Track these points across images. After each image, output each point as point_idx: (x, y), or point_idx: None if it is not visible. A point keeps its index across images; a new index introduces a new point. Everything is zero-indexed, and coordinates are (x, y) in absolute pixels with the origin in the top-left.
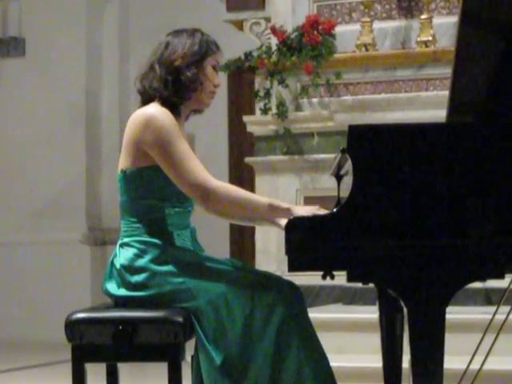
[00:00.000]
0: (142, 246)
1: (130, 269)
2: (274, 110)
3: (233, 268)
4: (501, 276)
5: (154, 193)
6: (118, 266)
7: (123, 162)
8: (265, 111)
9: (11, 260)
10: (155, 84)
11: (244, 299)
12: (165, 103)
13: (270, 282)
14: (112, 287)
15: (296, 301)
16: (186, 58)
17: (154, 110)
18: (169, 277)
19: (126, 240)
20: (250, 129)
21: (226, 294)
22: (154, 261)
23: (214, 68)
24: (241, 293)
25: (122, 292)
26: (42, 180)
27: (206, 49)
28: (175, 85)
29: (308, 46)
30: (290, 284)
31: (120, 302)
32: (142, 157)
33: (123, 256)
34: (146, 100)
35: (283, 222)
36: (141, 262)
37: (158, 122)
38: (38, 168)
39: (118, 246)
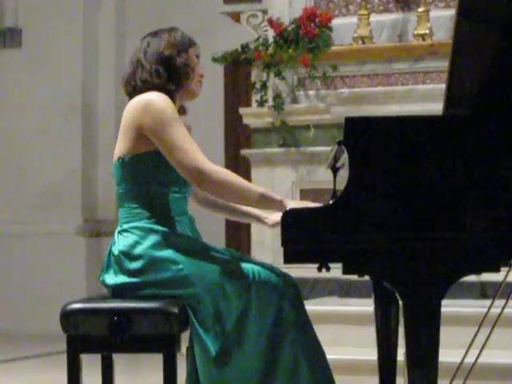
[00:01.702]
0: (141, 233)
1: (129, 255)
2: (271, 103)
3: (231, 258)
4: (496, 269)
5: (154, 178)
6: (116, 253)
7: (121, 150)
8: (261, 103)
9: (6, 251)
10: (145, 76)
11: (241, 290)
12: (160, 91)
13: (267, 273)
14: (109, 277)
15: (292, 293)
16: (174, 46)
17: (153, 95)
18: (167, 263)
19: (125, 227)
20: (246, 121)
21: (224, 283)
22: (153, 247)
23: (198, 57)
24: (238, 283)
25: (120, 279)
26: (37, 171)
27: (188, 39)
28: (168, 73)
29: (305, 39)
30: (287, 276)
31: (117, 290)
32: (142, 142)
33: (122, 243)
34: (132, 93)
35: (270, 218)
36: (140, 248)
37: (158, 105)
38: (34, 160)
39: (116, 234)
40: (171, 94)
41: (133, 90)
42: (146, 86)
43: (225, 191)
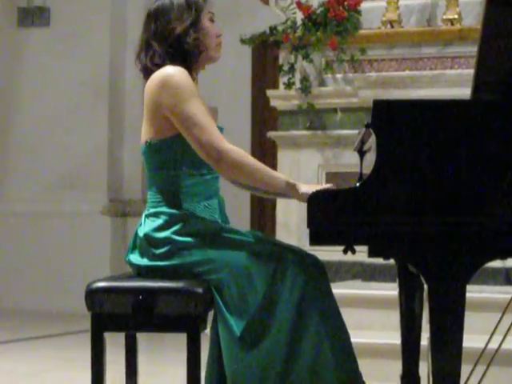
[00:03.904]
0: (166, 218)
1: (153, 239)
2: (298, 85)
3: (255, 240)
4: None
5: (182, 163)
6: (141, 236)
7: (146, 133)
8: (289, 86)
9: (33, 230)
10: (157, 60)
11: (266, 271)
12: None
13: (292, 254)
14: (135, 258)
15: (318, 274)
16: (182, 24)
17: (170, 69)
18: (191, 248)
19: (151, 211)
20: (273, 103)
21: (249, 265)
22: (177, 232)
23: (211, 20)
24: (263, 265)
25: (145, 261)
26: (63, 151)
27: (196, 6)
28: (180, 54)
29: (333, 22)
30: (313, 257)
31: (143, 272)
32: (166, 126)
33: (148, 226)
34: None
35: (300, 192)
36: (164, 233)
37: (175, 80)
38: (60, 139)
39: (143, 216)
40: (188, 66)
41: (146, 67)
42: (160, 66)
43: (242, 172)
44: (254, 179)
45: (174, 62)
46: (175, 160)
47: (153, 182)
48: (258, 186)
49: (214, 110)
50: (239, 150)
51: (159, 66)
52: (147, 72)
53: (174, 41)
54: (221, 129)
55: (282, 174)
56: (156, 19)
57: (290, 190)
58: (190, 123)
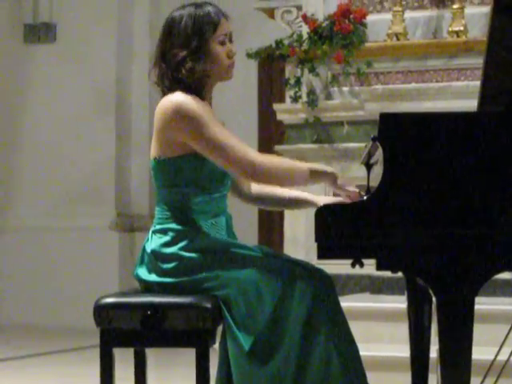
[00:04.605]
0: (173, 234)
1: (161, 255)
2: (305, 99)
3: (263, 255)
4: None
5: (190, 181)
6: (148, 251)
7: (154, 150)
8: (295, 99)
9: (41, 245)
10: (167, 83)
11: (274, 286)
12: (186, 91)
13: (300, 268)
14: (143, 272)
15: (326, 288)
16: (182, 51)
17: (180, 97)
18: (199, 265)
19: (158, 227)
20: (280, 117)
21: (257, 280)
22: (184, 248)
23: (223, 42)
24: (271, 279)
25: (153, 277)
26: (71, 166)
27: (206, 29)
28: (187, 78)
29: (339, 35)
30: (321, 271)
31: (150, 287)
32: (172, 146)
33: (155, 242)
34: (164, 91)
35: (322, 200)
36: (171, 249)
37: (186, 108)
38: (68, 154)
39: (150, 232)
40: (198, 91)
41: (159, 85)
42: (171, 90)
43: (277, 179)
44: (290, 180)
45: (180, 84)
46: (183, 178)
47: (161, 198)
48: (295, 184)
49: (222, 124)
50: (270, 157)
51: (169, 89)
52: (161, 89)
53: (176, 66)
54: None
55: (304, 164)
56: (166, 36)
57: (327, 179)
58: (214, 147)
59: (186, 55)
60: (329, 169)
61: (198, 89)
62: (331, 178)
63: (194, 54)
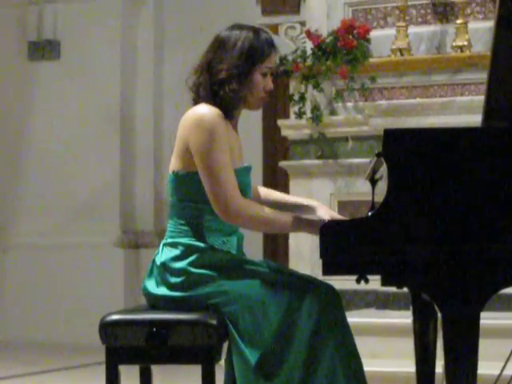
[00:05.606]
0: (183, 248)
1: (170, 269)
2: (309, 114)
3: (269, 270)
4: None
5: (202, 198)
6: (158, 264)
7: (175, 164)
8: (299, 115)
9: (46, 262)
10: (202, 93)
11: (280, 301)
12: (217, 106)
13: (306, 283)
14: (151, 285)
15: (333, 303)
16: (229, 70)
17: (206, 110)
18: (206, 280)
19: (169, 240)
20: (284, 133)
21: (263, 295)
22: (192, 264)
23: (265, 74)
24: (277, 294)
25: (161, 291)
26: (76, 183)
27: (254, 58)
28: (221, 95)
29: (343, 51)
30: (328, 286)
31: (157, 301)
32: (192, 160)
33: (165, 255)
34: (196, 99)
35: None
36: (180, 263)
37: (208, 122)
38: (73, 171)
39: (161, 245)
40: (225, 111)
41: (194, 92)
42: (204, 99)
43: (253, 227)
44: (270, 229)
45: (214, 99)
46: (200, 194)
47: (175, 212)
48: (275, 232)
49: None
50: (251, 207)
51: (202, 99)
52: (193, 97)
53: (217, 81)
54: (248, 168)
55: (289, 215)
56: (216, 49)
57: (311, 230)
58: (209, 174)
59: (233, 76)
60: (315, 219)
61: (230, 109)
62: (316, 231)
63: (240, 77)
